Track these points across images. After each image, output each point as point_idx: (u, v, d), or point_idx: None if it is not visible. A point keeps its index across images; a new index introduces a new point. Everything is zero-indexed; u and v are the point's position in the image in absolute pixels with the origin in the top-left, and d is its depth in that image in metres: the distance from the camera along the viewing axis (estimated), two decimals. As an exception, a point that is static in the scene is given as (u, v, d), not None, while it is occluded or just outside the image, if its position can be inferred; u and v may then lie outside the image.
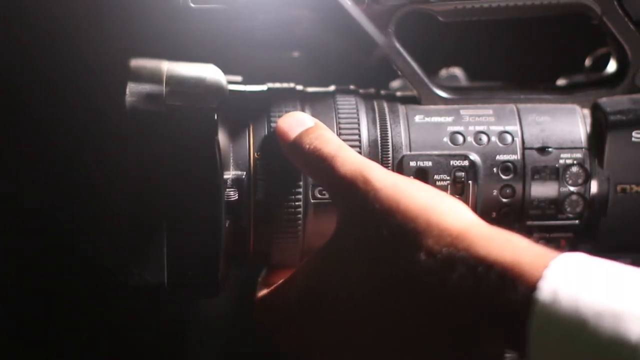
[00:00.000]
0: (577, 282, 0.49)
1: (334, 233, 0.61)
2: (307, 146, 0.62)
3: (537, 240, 0.66)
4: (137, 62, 0.65)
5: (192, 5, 0.63)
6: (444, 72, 0.75)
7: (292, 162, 0.64)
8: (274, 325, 0.63)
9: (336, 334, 0.60)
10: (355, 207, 0.59)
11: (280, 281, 0.64)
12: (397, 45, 0.67)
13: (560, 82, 0.74)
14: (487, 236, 0.55)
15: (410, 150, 0.65)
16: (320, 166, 0.62)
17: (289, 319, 0.62)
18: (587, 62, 0.75)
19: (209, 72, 0.65)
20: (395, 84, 0.73)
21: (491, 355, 0.54)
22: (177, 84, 0.63)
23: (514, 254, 0.53)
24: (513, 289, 0.51)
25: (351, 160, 0.61)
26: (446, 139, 0.66)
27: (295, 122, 0.64)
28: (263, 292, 0.65)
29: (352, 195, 0.59)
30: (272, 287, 0.64)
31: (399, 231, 0.57)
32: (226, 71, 0.67)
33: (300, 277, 0.62)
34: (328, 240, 0.61)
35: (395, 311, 0.57)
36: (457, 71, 0.75)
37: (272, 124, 0.65)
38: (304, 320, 0.61)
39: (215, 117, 0.61)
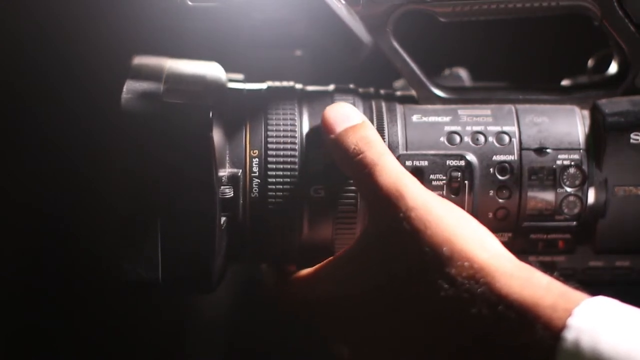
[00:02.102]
0: (600, 336, 0.50)
1: (361, 238, 0.61)
2: (352, 147, 0.62)
3: (536, 242, 0.66)
4: (139, 60, 0.66)
5: (190, 3, 0.64)
6: (447, 72, 0.75)
7: (331, 156, 0.64)
8: (312, 316, 0.64)
9: (354, 334, 0.61)
10: (384, 221, 0.59)
11: (302, 276, 0.64)
12: (396, 45, 0.67)
13: (564, 83, 0.74)
14: (508, 272, 0.55)
15: (406, 150, 0.65)
16: (361, 171, 0.61)
17: (314, 313, 0.63)
18: (590, 63, 0.74)
19: (209, 70, 0.66)
20: (399, 83, 0.73)
21: None
22: (176, 81, 0.64)
23: (534, 293, 0.53)
24: (532, 331, 0.51)
25: (389, 170, 0.61)
26: (443, 139, 0.65)
27: (342, 116, 0.64)
28: (287, 286, 0.65)
29: (384, 208, 0.60)
30: (296, 281, 0.65)
31: (424, 256, 0.57)
32: (228, 69, 0.67)
33: (325, 276, 0.63)
34: (355, 243, 0.61)
35: (408, 331, 0.57)
36: (461, 71, 0.75)
37: (269, 122, 0.65)
38: (330, 316, 0.62)
39: (211, 115, 0.61)
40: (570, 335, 0.50)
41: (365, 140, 0.62)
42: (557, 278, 0.55)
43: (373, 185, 0.60)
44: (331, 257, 0.63)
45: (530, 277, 0.55)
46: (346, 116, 0.64)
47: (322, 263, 0.63)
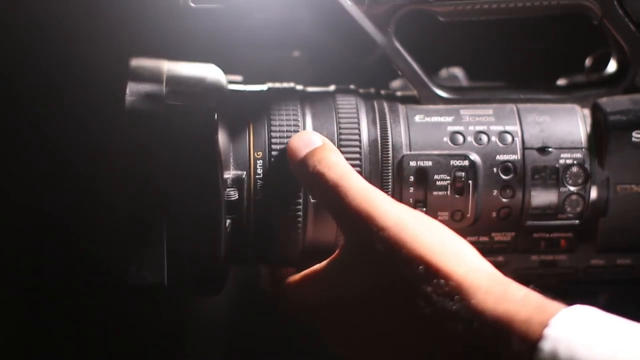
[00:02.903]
0: (577, 344, 0.50)
1: (340, 252, 0.61)
2: (311, 169, 0.62)
3: (538, 241, 0.66)
4: (137, 62, 0.65)
5: (192, 5, 0.64)
6: (444, 72, 0.75)
7: (299, 183, 0.64)
8: (305, 319, 0.64)
9: (341, 338, 0.61)
10: (358, 242, 0.59)
11: (294, 280, 0.64)
12: (397, 45, 0.67)
13: (561, 82, 0.74)
14: (483, 287, 0.55)
15: (410, 150, 0.65)
16: (324, 193, 0.61)
17: (313, 317, 0.63)
18: (588, 62, 0.75)
19: (209, 72, 0.65)
20: (396, 83, 0.73)
21: None
22: (177, 83, 0.64)
23: (508, 308, 0.53)
24: (508, 346, 0.51)
25: (354, 191, 0.60)
26: (446, 139, 0.65)
27: (303, 142, 0.63)
28: (288, 289, 0.65)
29: (355, 229, 0.59)
30: (289, 285, 0.65)
31: (400, 275, 0.57)
32: (227, 71, 0.67)
33: (311, 282, 0.62)
34: (337, 255, 0.61)
35: (395, 338, 0.57)
36: (458, 71, 0.75)
37: (272, 124, 0.65)
38: (320, 320, 0.62)
39: (215, 117, 0.61)
40: (547, 345, 0.50)
41: (324, 162, 0.62)
42: (534, 289, 0.55)
43: (339, 207, 0.60)
44: (317, 265, 0.63)
45: (506, 291, 0.54)
46: (308, 142, 0.63)
47: (309, 269, 0.63)
